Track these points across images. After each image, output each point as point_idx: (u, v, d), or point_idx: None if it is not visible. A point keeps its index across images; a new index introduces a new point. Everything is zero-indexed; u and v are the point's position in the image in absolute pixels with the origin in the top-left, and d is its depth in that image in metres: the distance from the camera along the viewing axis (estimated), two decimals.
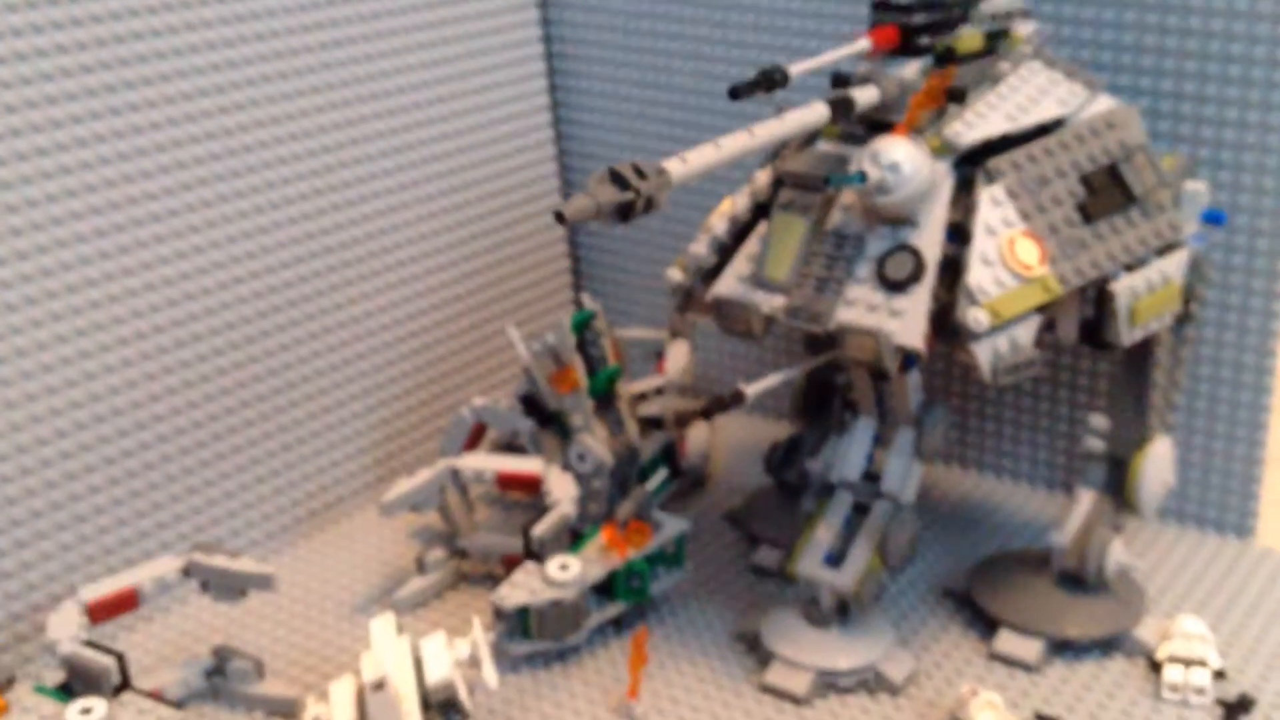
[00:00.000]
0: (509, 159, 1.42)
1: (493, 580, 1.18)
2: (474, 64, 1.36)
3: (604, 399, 1.20)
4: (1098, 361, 1.24)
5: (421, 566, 1.16)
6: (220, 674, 1.04)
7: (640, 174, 0.79)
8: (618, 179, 0.79)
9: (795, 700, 1.03)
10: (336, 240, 1.26)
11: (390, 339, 1.32)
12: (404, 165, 1.31)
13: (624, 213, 0.79)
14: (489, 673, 0.96)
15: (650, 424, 1.28)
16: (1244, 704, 1.00)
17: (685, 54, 1.39)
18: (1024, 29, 1.06)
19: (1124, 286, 0.97)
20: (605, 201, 0.78)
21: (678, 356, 1.33)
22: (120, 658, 0.95)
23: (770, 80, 0.89)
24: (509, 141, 1.42)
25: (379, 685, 0.93)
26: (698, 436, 1.33)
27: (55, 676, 0.97)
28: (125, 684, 0.95)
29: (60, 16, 1.03)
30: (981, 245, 0.94)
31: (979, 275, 0.93)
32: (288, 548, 1.26)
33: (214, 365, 1.17)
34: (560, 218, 0.77)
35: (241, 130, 1.17)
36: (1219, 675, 1.02)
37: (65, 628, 0.97)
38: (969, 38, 1.00)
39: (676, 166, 0.82)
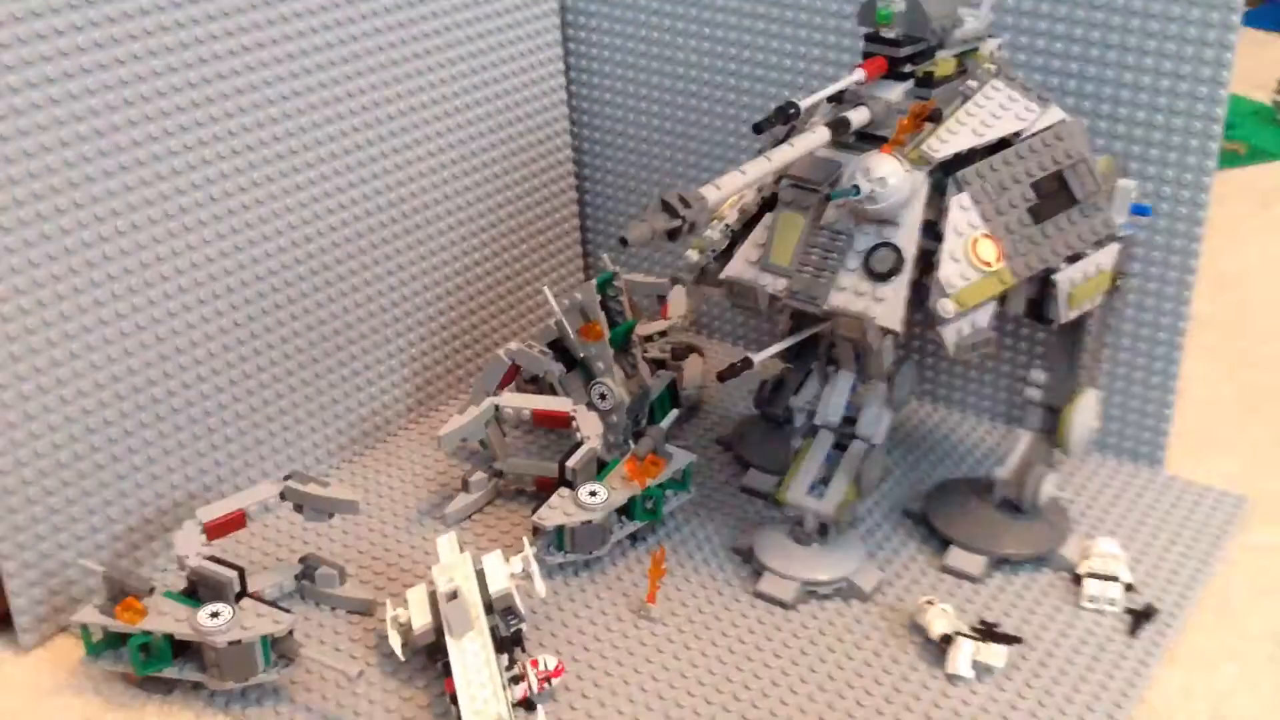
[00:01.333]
0: (526, 136, 1.61)
1: (525, 496, 1.39)
2: (494, 56, 1.54)
3: (622, 347, 1.40)
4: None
5: (466, 486, 1.37)
6: (309, 579, 1.24)
7: (685, 203, 0.99)
8: (668, 208, 0.99)
9: (783, 605, 1.25)
10: (386, 200, 1.44)
11: (429, 283, 1.52)
12: (441, 132, 1.49)
13: (673, 235, 0.99)
14: (539, 585, 1.18)
15: (657, 364, 1.49)
16: (1148, 613, 1.21)
17: (693, 32, 1.57)
18: (988, 46, 1.25)
19: (1064, 277, 1.18)
20: (659, 228, 0.98)
21: (679, 301, 1.53)
22: (241, 571, 1.15)
23: (785, 114, 1.08)
24: (526, 120, 1.60)
25: (452, 595, 1.14)
26: (694, 369, 1.54)
27: (177, 584, 1.18)
28: (244, 592, 1.15)
29: None
30: (951, 245, 1.13)
31: (948, 270, 1.13)
32: (345, 464, 1.46)
33: (286, 313, 1.36)
34: (624, 241, 0.97)
35: (302, 82, 1.33)
36: (1129, 588, 1.24)
37: (190, 544, 1.17)
38: (944, 64, 1.18)
39: (712, 193, 1.01)
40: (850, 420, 1.28)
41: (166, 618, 1.13)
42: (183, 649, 1.14)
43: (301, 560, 1.26)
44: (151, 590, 1.15)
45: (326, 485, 1.24)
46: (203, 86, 1.24)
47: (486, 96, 1.54)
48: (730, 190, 1.03)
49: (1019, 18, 1.36)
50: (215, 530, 1.20)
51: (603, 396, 1.37)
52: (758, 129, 1.07)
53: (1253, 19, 3.03)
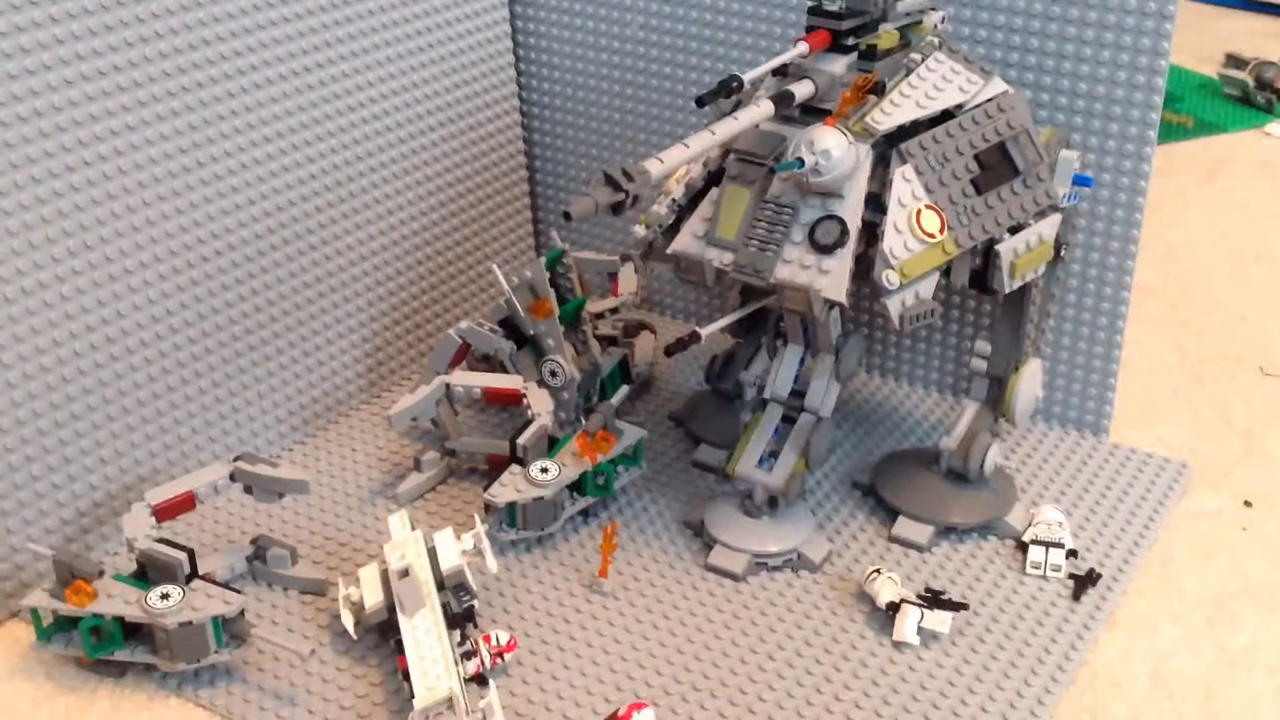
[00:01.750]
0: (477, 114, 1.61)
1: (477, 474, 1.40)
2: (443, 34, 1.54)
3: (572, 324, 1.41)
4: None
5: (418, 465, 1.37)
6: (260, 559, 1.24)
7: (628, 177, 0.99)
8: (611, 182, 0.99)
9: (733, 578, 1.26)
10: (335, 179, 1.44)
11: (379, 262, 1.52)
12: (390, 110, 1.49)
13: (617, 209, 0.99)
14: (490, 562, 1.18)
15: (608, 341, 1.49)
16: (1091, 578, 1.24)
17: (639, 8, 1.57)
18: (930, 19, 1.26)
19: (1007, 247, 1.19)
20: (602, 202, 0.98)
21: (629, 278, 1.54)
22: (190, 553, 1.15)
23: (729, 88, 1.09)
24: (476, 98, 1.60)
25: (404, 573, 1.15)
26: (644, 345, 1.54)
27: (127, 566, 1.17)
28: (194, 574, 1.15)
29: None
30: (894, 216, 1.14)
31: (892, 241, 1.14)
32: (296, 445, 1.46)
33: (235, 293, 1.36)
34: (567, 215, 0.97)
35: (247, 60, 1.33)
36: (1072, 554, 1.27)
37: (139, 527, 1.17)
38: (887, 36, 1.19)
39: (655, 166, 1.02)
40: (799, 394, 1.30)
41: (116, 600, 1.13)
42: (134, 631, 1.14)
43: (253, 541, 1.25)
44: (101, 573, 1.14)
45: (276, 466, 1.24)
46: (146, 66, 1.23)
47: (435, 74, 1.54)
48: (673, 163, 1.03)
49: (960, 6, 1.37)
50: (164, 512, 1.20)
51: (553, 374, 1.38)
52: (700, 103, 1.08)
53: None
